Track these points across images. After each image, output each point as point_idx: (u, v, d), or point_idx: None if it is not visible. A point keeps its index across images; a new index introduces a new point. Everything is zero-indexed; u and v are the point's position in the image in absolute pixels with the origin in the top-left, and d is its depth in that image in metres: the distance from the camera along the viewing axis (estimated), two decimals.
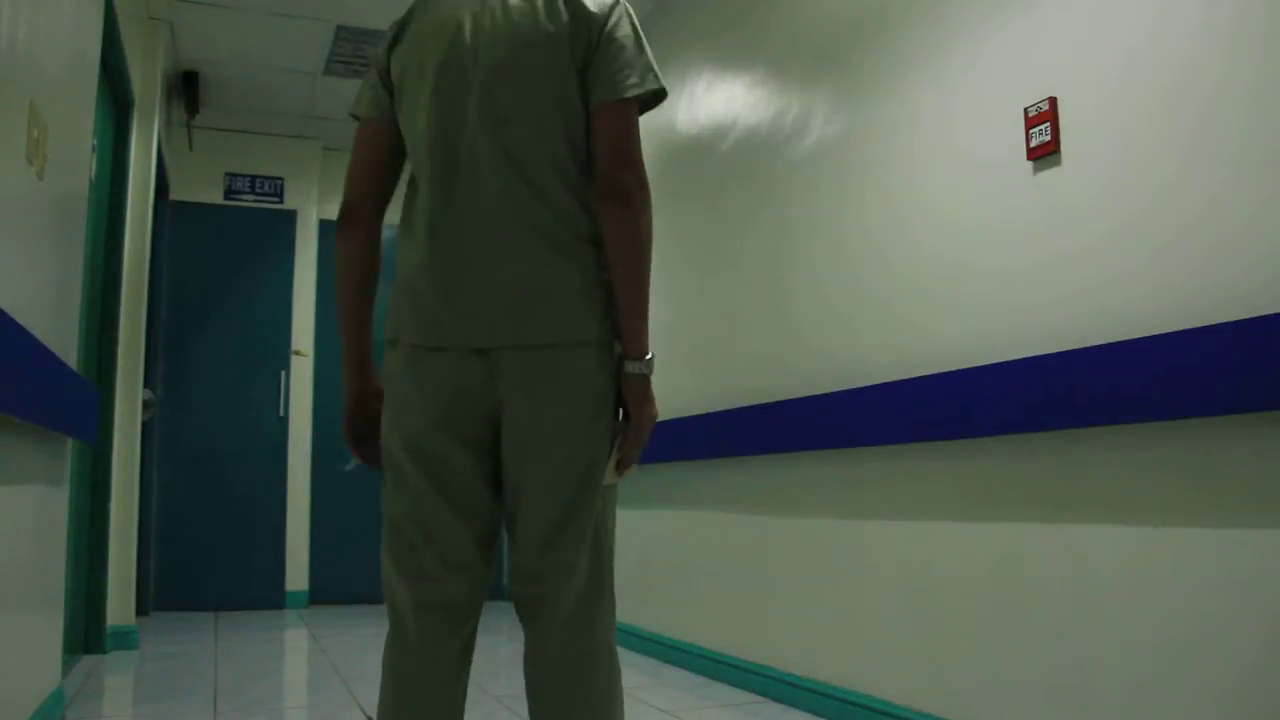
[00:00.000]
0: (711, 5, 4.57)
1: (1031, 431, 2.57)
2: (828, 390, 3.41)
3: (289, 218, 7.01)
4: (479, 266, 1.67)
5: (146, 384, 5.20)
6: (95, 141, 3.85)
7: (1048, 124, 2.59)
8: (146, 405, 5.22)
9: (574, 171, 1.72)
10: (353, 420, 1.82)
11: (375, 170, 1.79)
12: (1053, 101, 2.58)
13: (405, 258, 1.74)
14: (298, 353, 6.86)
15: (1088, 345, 2.39)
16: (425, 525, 1.68)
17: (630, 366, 1.70)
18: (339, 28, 5.44)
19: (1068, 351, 2.44)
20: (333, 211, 7.36)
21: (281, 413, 6.78)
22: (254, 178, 6.96)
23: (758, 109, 4.10)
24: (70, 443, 3.38)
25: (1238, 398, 2.03)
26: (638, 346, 1.71)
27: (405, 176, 1.83)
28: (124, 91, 4.69)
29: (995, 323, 2.74)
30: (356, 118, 1.84)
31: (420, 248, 1.71)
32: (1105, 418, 2.33)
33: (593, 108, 1.72)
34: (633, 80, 1.71)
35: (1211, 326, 2.09)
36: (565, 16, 1.72)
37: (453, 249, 1.69)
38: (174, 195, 6.56)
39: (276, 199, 7.00)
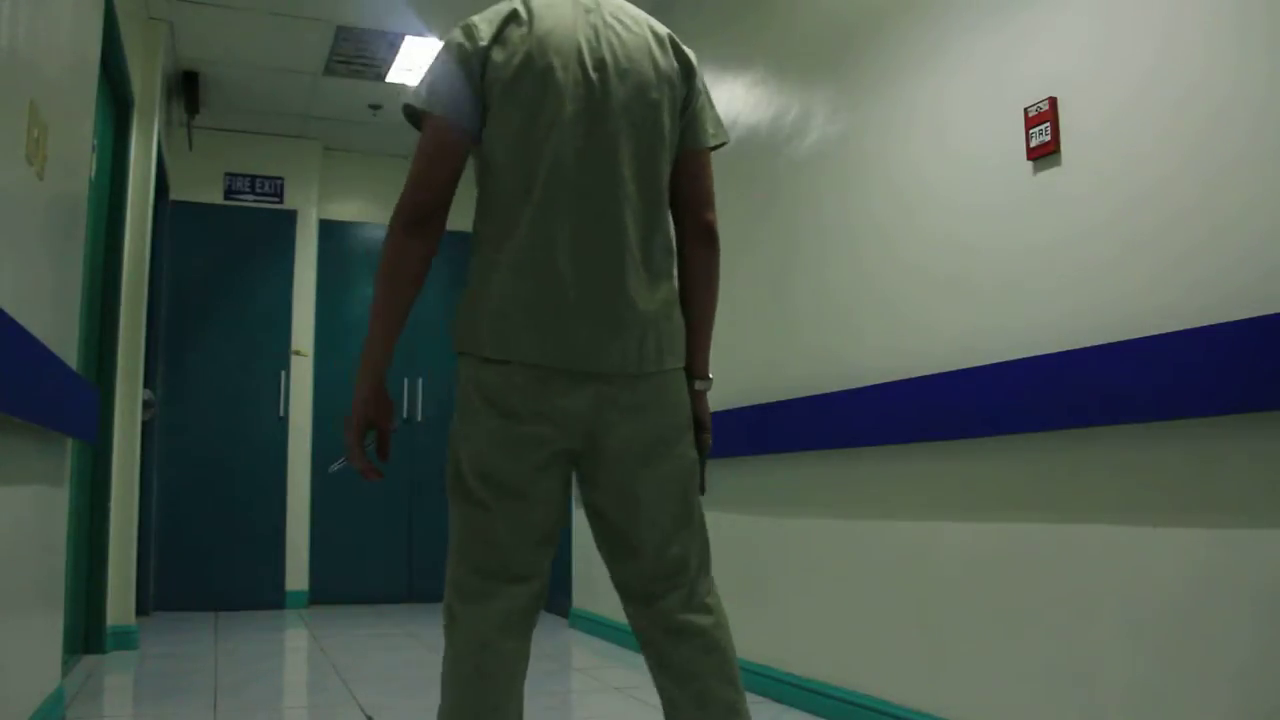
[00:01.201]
0: (710, 5, 4.57)
1: (1031, 432, 2.57)
2: (827, 390, 3.41)
3: (289, 218, 7.01)
4: (605, 290, 1.71)
5: (146, 384, 5.21)
6: (95, 141, 3.85)
7: (1048, 124, 2.59)
8: (146, 405, 5.23)
9: (667, 205, 1.83)
10: (365, 427, 1.80)
11: (455, 175, 1.75)
12: (1052, 101, 2.58)
13: (517, 273, 1.71)
14: (298, 352, 6.87)
15: (1087, 345, 2.39)
16: (507, 542, 1.71)
17: (700, 385, 1.88)
18: (339, 28, 5.44)
19: (1067, 352, 2.44)
20: (332, 211, 7.37)
21: (281, 412, 6.79)
22: (254, 178, 6.96)
23: (758, 109, 4.10)
24: (70, 442, 3.38)
25: (1238, 398, 2.03)
26: (707, 368, 1.90)
27: (499, 187, 1.77)
28: (124, 91, 4.69)
29: (996, 321, 2.74)
30: (422, 112, 1.77)
31: (541, 267, 1.70)
32: (1105, 418, 2.33)
33: (687, 152, 1.84)
34: (719, 131, 1.90)
35: (1211, 327, 2.09)
36: (675, 61, 1.83)
37: (581, 271, 1.70)
38: (174, 195, 6.56)
39: (276, 199, 7.00)
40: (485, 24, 1.78)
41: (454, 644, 1.71)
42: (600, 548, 1.83)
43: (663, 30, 1.87)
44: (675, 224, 1.87)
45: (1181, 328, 2.17)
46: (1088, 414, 2.38)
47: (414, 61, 5.86)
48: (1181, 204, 2.22)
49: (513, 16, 1.77)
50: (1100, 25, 2.48)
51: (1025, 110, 2.66)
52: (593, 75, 1.74)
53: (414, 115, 1.79)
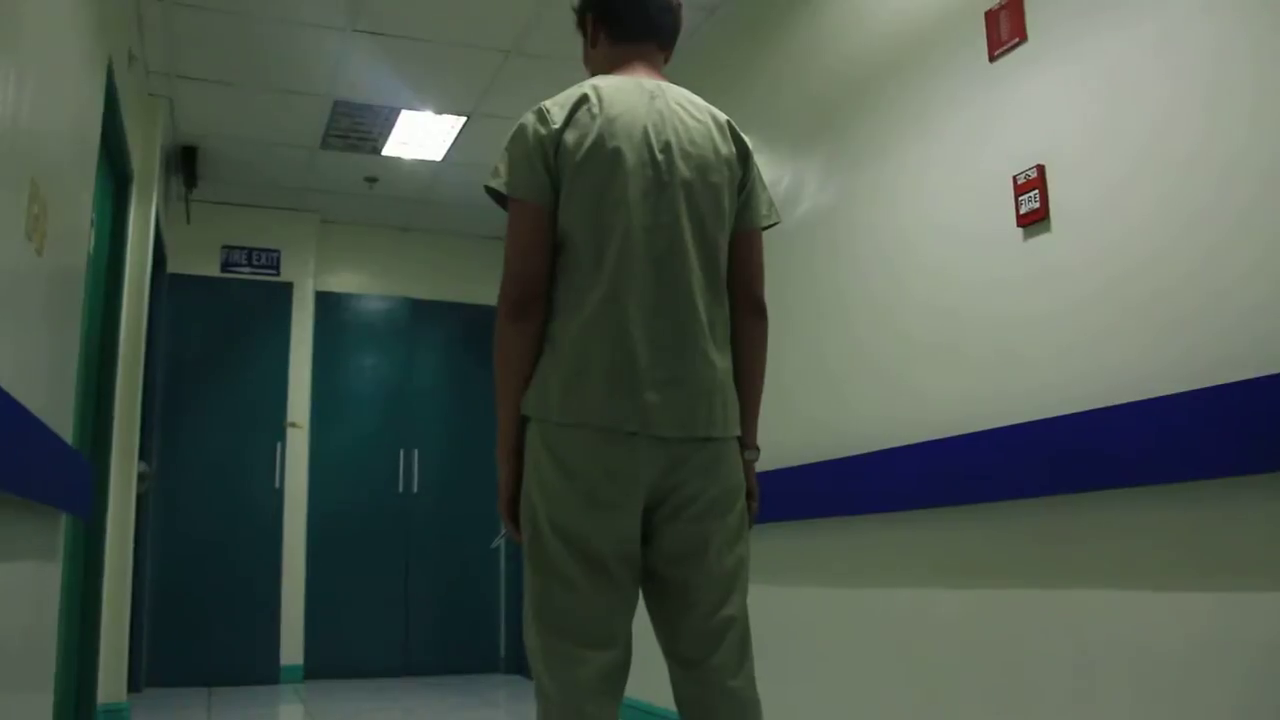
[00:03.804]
0: (702, 74, 4.63)
1: (1028, 497, 2.56)
2: (821, 459, 3.40)
3: (285, 289, 7.04)
4: (677, 357, 1.81)
5: (142, 456, 5.19)
6: (94, 216, 3.88)
7: (1036, 191, 2.62)
8: (141, 477, 5.20)
9: (725, 281, 1.93)
10: (514, 501, 1.88)
11: (547, 256, 1.85)
12: (1041, 169, 2.62)
13: (589, 341, 1.79)
14: (293, 424, 6.85)
15: (1082, 410, 2.40)
16: (588, 607, 1.77)
17: (749, 455, 1.96)
18: (336, 102, 5.51)
19: (1063, 416, 2.44)
20: (329, 283, 7.38)
21: (277, 484, 6.75)
22: (251, 250, 7.00)
23: None
24: (64, 517, 3.36)
25: (1234, 461, 2.04)
26: (755, 438, 1.99)
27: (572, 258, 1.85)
28: (123, 166, 4.74)
29: (990, 387, 2.75)
30: (504, 195, 1.86)
31: (613, 335, 1.79)
32: (1102, 482, 2.33)
33: (743, 231, 1.95)
34: (771, 212, 2.02)
35: (1205, 389, 2.10)
36: (734, 145, 1.95)
37: (652, 339, 1.80)
38: (171, 268, 6.59)
39: (273, 271, 7.03)
40: (558, 108, 1.88)
41: (549, 714, 1.76)
42: (654, 611, 1.88)
43: (722, 116, 1.99)
44: (729, 298, 1.96)
45: (1174, 391, 2.17)
46: (1084, 478, 2.38)
47: (409, 135, 5.93)
48: (1172, 268, 2.25)
49: (583, 100, 1.88)
50: (1085, 93, 2.52)
51: (1014, 178, 2.70)
52: (659, 156, 1.85)
53: (497, 196, 1.88)
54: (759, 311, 1.98)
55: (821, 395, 3.54)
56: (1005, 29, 2.79)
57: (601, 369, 1.78)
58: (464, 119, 5.71)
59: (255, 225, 7.02)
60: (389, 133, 5.91)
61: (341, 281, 7.35)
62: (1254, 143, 2.09)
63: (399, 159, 6.24)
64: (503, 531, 1.95)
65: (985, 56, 2.86)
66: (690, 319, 1.83)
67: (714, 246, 1.89)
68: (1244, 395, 2.02)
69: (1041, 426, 2.50)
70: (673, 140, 1.88)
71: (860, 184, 3.44)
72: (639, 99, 1.90)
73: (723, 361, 1.88)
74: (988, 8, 2.86)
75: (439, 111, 5.65)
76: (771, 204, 2.04)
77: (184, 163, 6.14)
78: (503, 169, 1.88)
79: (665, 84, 1.98)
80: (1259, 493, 2.01)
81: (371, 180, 6.59)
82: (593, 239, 1.82)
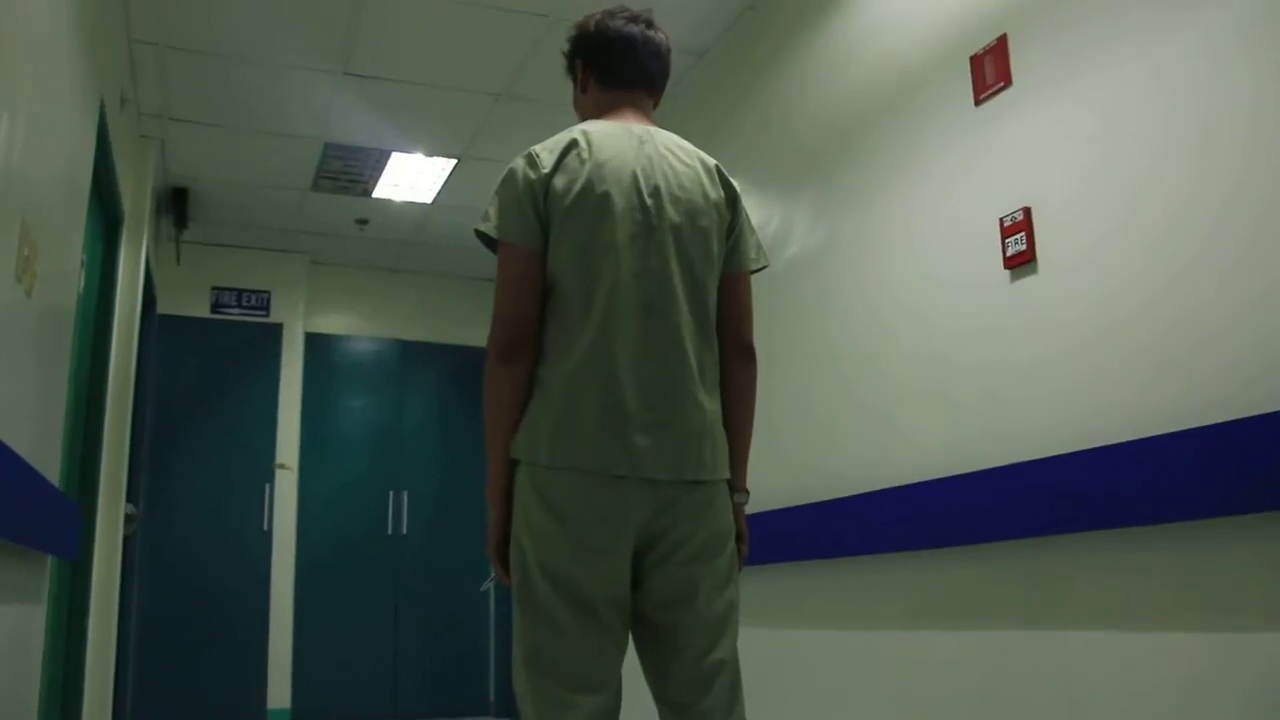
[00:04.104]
0: (691, 118, 4.67)
1: (1016, 538, 2.56)
2: (809, 500, 3.40)
3: (275, 331, 7.02)
4: (666, 400, 1.81)
5: (129, 497, 5.15)
6: (84, 257, 3.88)
7: (1023, 233, 2.64)
8: (129, 519, 5.16)
9: (714, 325, 1.93)
10: (504, 545, 1.87)
11: (537, 299, 1.86)
12: (1027, 211, 2.64)
13: (578, 384, 1.80)
14: (282, 466, 6.81)
15: (1071, 451, 2.40)
16: (577, 650, 1.75)
17: (739, 498, 1.95)
18: (327, 144, 5.53)
19: (1052, 457, 2.45)
20: (318, 325, 7.36)
21: (265, 526, 6.70)
22: (241, 291, 7.00)
23: None
24: (49, 559, 3.34)
25: (1224, 500, 2.04)
26: (745, 481, 1.98)
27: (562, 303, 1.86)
28: (114, 208, 4.74)
29: (979, 429, 2.75)
30: (494, 239, 1.87)
31: (601, 379, 1.79)
32: (1092, 523, 2.33)
33: (730, 275, 1.96)
34: (760, 255, 2.03)
35: (1194, 430, 2.11)
36: (722, 189, 1.96)
37: (641, 382, 1.80)
38: (161, 309, 6.57)
39: (263, 312, 7.03)
40: (547, 153, 1.90)
41: None
42: (643, 655, 1.86)
43: (710, 161, 2.00)
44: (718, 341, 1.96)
45: (1163, 431, 2.18)
46: (1074, 519, 2.38)
47: (400, 177, 5.95)
48: (1158, 308, 2.26)
49: (573, 145, 1.89)
50: (1069, 135, 2.55)
51: (1001, 220, 2.72)
52: (648, 201, 1.86)
53: (487, 240, 1.89)
54: (748, 355, 1.98)
55: (810, 437, 3.54)
56: (990, 73, 2.82)
57: (591, 413, 1.78)
58: (454, 161, 5.74)
59: (245, 266, 7.02)
60: (379, 175, 5.94)
61: (331, 323, 7.35)
62: (1243, 179, 2.11)
63: (389, 201, 6.26)
64: (492, 575, 1.94)
65: (971, 100, 2.89)
66: (679, 363, 1.83)
67: (703, 290, 1.90)
68: (1232, 435, 2.03)
69: (1031, 468, 2.51)
70: (661, 185, 1.89)
71: (847, 227, 3.46)
72: (628, 144, 1.92)
73: (712, 404, 1.88)
74: (972, 52, 2.89)
75: (429, 154, 5.68)
76: (760, 248, 2.05)
77: (175, 204, 6.15)
78: (493, 213, 1.88)
79: (654, 129, 2.00)
80: (1249, 533, 2.01)
81: (362, 222, 6.61)
82: (582, 283, 1.83)
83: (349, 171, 5.89)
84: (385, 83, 4.88)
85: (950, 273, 2.92)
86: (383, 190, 6.13)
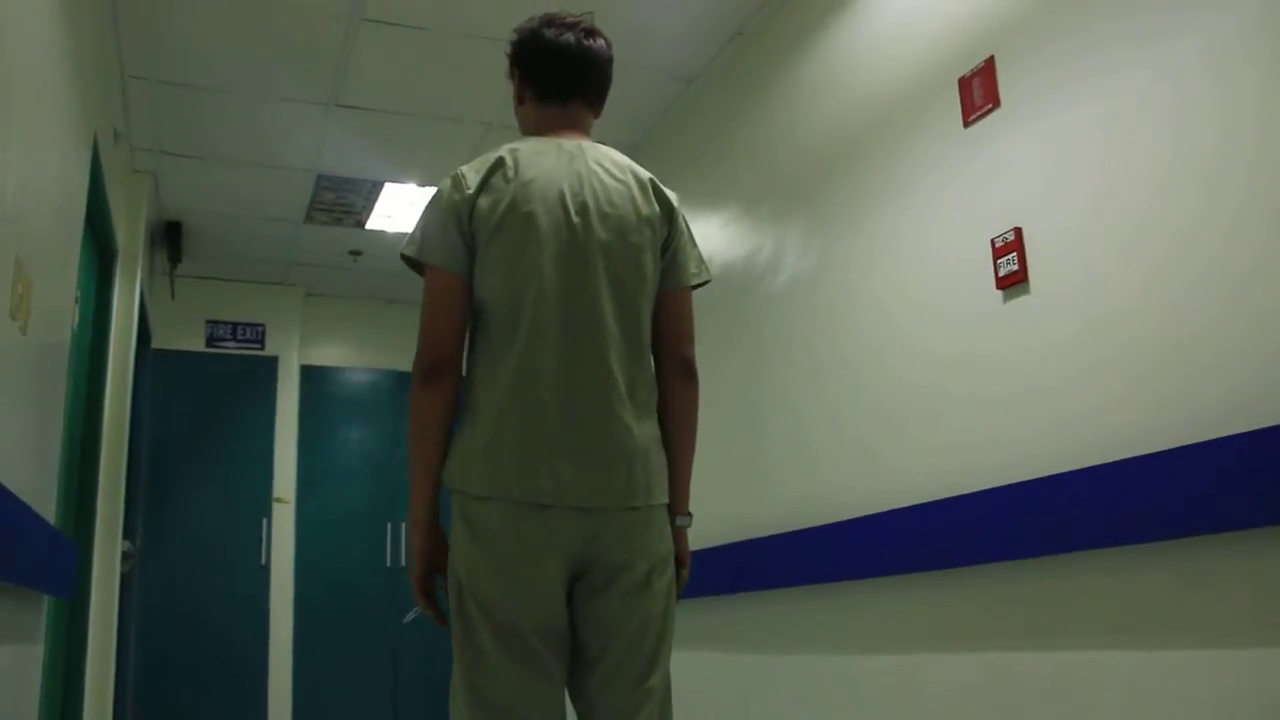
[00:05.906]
0: (683, 146, 4.69)
1: (1011, 560, 2.55)
2: (803, 526, 3.39)
3: (270, 364, 7.02)
4: (592, 426, 1.76)
5: (126, 534, 5.13)
6: (79, 292, 3.88)
7: (1014, 254, 2.64)
8: (125, 556, 5.14)
9: (649, 345, 1.89)
10: (428, 575, 1.86)
11: (463, 322, 1.84)
12: (1018, 232, 2.64)
13: (504, 410, 1.76)
14: (279, 499, 6.79)
15: (1066, 470, 2.40)
16: (513, 680, 1.72)
17: (681, 521, 1.91)
18: (319, 176, 5.54)
19: (1047, 477, 2.44)
20: (314, 357, 7.34)
21: (263, 560, 6.67)
22: (235, 324, 6.99)
23: (732, 247, 4.18)
24: (46, 599, 3.32)
25: (1221, 516, 2.03)
26: (687, 504, 1.93)
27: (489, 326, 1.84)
28: (108, 243, 4.74)
29: (972, 449, 2.75)
30: (418, 262, 1.85)
31: (527, 405, 1.75)
32: (1089, 542, 2.33)
33: (668, 291, 1.91)
34: (700, 270, 1.96)
35: (1190, 446, 2.10)
36: (656, 203, 1.90)
37: (567, 408, 1.76)
38: (156, 343, 6.56)
39: (258, 345, 7.02)
40: (473, 173, 1.87)
41: None
42: (572, 680, 1.82)
43: (645, 174, 1.94)
44: (655, 361, 1.91)
45: (1158, 449, 2.18)
46: (1070, 539, 2.37)
47: (393, 208, 5.96)
48: (1153, 327, 2.26)
49: (498, 165, 1.86)
50: (1061, 155, 2.56)
51: (992, 241, 2.72)
52: (575, 219, 1.81)
53: (413, 263, 1.86)
54: (688, 374, 1.94)
55: (803, 461, 3.53)
56: (979, 95, 2.84)
57: (515, 440, 1.74)
58: None
59: (240, 300, 7.02)
60: (372, 206, 5.94)
61: (326, 355, 7.34)
62: (1234, 196, 2.12)
63: (383, 232, 6.26)
64: (415, 609, 1.90)
65: (960, 122, 2.91)
66: (605, 385, 1.78)
67: (634, 308, 1.85)
68: (1230, 450, 2.02)
69: (1029, 487, 2.50)
70: (590, 202, 1.85)
71: (838, 250, 3.47)
72: (557, 161, 1.88)
73: (642, 427, 1.82)
74: (960, 75, 2.91)
75: (422, 184, 5.69)
76: (701, 261, 2.00)
77: (168, 238, 6.16)
78: (417, 235, 1.86)
79: (588, 144, 1.95)
80: (1249, 547, 2.01)
81: (355, 254, 6.61)
82: (508, 305, 1.80)
83: (342, 203, 5.90)
84: (376, 113, 4.89)
85: (943, 293, 2.93)
86: (376, 221, 6.13)
